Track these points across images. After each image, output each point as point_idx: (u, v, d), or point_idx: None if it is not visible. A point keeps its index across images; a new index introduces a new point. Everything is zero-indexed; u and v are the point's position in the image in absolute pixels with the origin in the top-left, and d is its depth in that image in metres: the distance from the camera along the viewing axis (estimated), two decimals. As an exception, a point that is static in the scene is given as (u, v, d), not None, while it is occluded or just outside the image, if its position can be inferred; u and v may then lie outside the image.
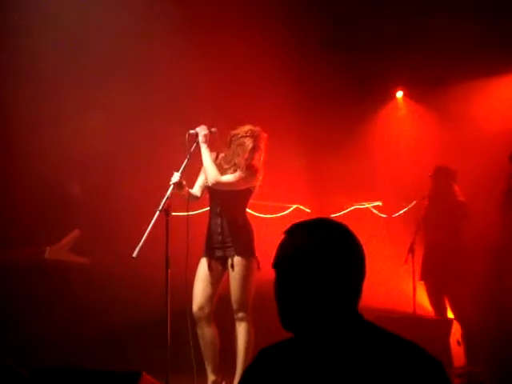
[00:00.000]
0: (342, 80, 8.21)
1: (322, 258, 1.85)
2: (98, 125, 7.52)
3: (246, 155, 5.70)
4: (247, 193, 5.80)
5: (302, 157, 8.59)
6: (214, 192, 5.78)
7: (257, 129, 5.81)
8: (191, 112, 6.72)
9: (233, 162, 5.78)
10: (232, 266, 5.61)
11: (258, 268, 5.68)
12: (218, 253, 5.74)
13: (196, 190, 5.89)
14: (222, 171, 5.77)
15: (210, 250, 5.77)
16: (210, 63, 7.31)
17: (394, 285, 8.20)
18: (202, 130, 5.64)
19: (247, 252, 5.67)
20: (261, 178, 5.77)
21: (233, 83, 7.46)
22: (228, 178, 5.66)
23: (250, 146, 5.70)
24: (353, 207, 9.36)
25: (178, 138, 5.81)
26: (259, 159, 5.76)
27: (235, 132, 5.82)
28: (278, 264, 1.93)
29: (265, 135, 5.80)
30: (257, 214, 7.88)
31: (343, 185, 8.96)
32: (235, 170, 5.75)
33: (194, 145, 5.67)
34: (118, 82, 7.22)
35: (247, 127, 5.79)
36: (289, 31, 7.66)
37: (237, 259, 5.61)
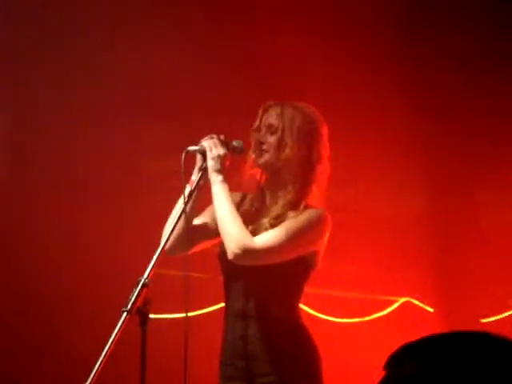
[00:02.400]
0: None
1: None
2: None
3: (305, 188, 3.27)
4: (303, 267, 3.26)
5: (419, 193, 6.03)
6: (232, 265, 3.26)
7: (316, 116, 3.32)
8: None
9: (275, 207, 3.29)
10: None
11: None
12: None
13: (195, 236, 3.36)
14: (255, 225, 3.26)
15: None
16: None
17: None
18: (212, 146, 3.24)
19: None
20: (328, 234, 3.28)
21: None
22: (267, 237, 3.16)
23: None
24: None
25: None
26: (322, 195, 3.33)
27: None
28: None
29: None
30: (325, 317, 5.88)
31: (506, 255, 5.89)
32: (277, 222, 3.22)
33: (199, 176, 3.25)
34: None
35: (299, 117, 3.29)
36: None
37: None
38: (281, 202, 3.25)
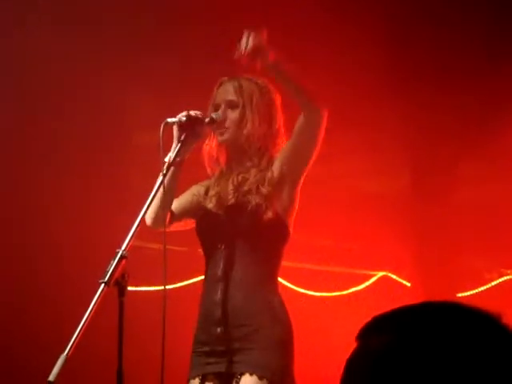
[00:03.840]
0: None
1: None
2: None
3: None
4: (281, 235, 3.29)
5: (399, 170, 5.93)
6: (213, 234, 3.35)
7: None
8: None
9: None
10: None
11: None
12: (216, 365, 3.30)
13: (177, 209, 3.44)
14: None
15: (200, 357, 3.35)
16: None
17: None
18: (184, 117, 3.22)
19: (276, 368, 3.25)
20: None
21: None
22: None
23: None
24: (504, 278, 6.27)
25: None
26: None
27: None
28: None
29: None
30: (303, 291, 5.79)
31: (482, 230, 5.82)
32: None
33: (177, 148, 3.23)
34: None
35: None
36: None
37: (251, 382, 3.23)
38: (259, 178, 3.22)
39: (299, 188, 3.26)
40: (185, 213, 3.35)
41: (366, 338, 1.39)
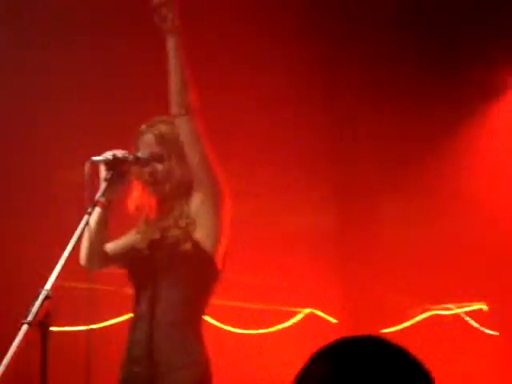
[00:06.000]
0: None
1: None
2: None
3: None
4: (203, 268, 3.25)
5: (325, 208, 5.96)
6: (140, 271, 3.33)
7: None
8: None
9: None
10: None
11: None
12: None
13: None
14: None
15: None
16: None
17: None
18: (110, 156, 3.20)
19: None
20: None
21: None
22: None
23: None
24: (426, 314, 6.27)
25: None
26: None
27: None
28: None
29: None
30: (229, 329, 5.74)
31: (405, 268, 5.79)
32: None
33: (103, 187, 3.17)
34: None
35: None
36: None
37: None
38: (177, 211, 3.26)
39: (223, 216, 3.20)
40: (119, 254, 3.32)
41: (309, 367, 1.48)
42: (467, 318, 6.21)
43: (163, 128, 3.26)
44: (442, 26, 5.52)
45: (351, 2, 5.70)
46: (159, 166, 3.19)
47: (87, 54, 5.24)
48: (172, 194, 3.22)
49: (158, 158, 3.20)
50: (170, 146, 3.22)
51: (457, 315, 6.24)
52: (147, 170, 3.18)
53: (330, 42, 5.91)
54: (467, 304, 6.16)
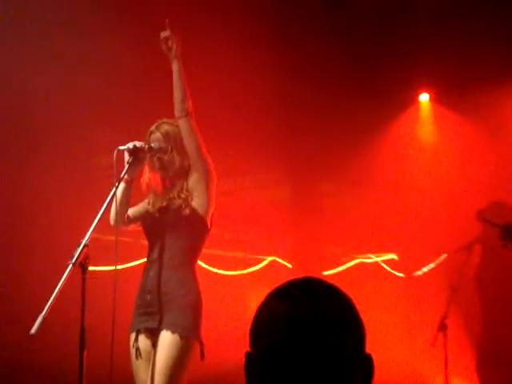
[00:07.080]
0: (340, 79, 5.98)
1: (299, 340, 1.42)
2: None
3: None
4: (199, 227, 3.80)
5: (283, 184, 6.53)
6: (152, 229, 3.83)
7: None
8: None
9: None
10: (155, 346, 3.64)
11: (202, 357, 3.68)
12: (146, 323, 3.74)
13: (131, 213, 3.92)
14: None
15: (136, 317, 3.80)
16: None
17: (416, 373, 5.69)
18: (131, 146, 3.72)
19: (186, 325, 3.67)
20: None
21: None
22: None
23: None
24: (354, 261, 6.82)
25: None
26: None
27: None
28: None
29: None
30: (213, 270, 6.16)
31: (340, 228, 6.42)
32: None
33: (126, 168, 3.73)
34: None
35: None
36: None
37: (166, 337, 3.63)
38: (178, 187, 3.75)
39: (211, 190, 3.67)
40: (137, 217, 3.79)
41: (267, 301, 1.55)
42: (383, 265, 6.68)
43: (168, 128, 3.73)
44: (364, 52, 5.83)
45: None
46: (165, 156, 3.66)
47: (137, 67, 5.57)
48: (174, 175, 3.67)
49: (165, 150, 3.67)
50: (172, 141, 3.68)
51: (376, 263, 6.70)
52: (156, 157, 3.65)
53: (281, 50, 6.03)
54: (384, 254, 6.68)
